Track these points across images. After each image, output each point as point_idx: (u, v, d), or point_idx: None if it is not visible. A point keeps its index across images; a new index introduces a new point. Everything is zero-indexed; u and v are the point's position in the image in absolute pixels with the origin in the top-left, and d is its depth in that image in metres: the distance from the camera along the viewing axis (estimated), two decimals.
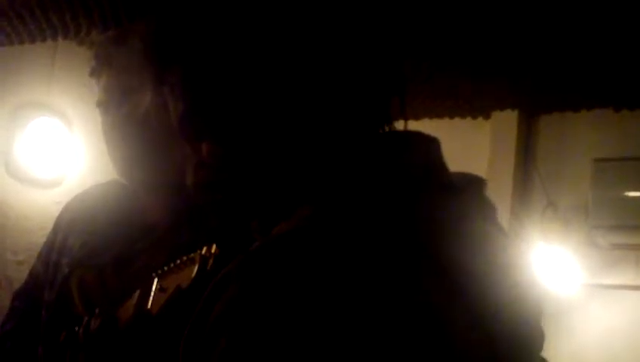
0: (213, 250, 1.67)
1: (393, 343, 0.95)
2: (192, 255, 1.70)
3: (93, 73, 2.03)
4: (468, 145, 5.53)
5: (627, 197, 5.10)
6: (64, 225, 2.17)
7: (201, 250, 1.68)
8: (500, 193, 5.21)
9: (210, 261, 1.67)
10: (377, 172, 1.09)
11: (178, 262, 1.73)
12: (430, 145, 1.18)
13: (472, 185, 1.18)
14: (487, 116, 5.65)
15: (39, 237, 2.28)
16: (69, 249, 2.10)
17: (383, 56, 1.18)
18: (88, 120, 2.27)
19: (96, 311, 1.86)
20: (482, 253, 1.10)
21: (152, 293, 1.76)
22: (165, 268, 1.75)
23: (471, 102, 5.47)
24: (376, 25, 1.17)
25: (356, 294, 0.96)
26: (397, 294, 0.98)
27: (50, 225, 2.26)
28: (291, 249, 0.99)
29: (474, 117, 5.69)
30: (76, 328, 1.86)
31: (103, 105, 2.00)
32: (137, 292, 1.78)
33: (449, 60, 4.71)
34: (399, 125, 1.19)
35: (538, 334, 1.18)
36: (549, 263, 4.96)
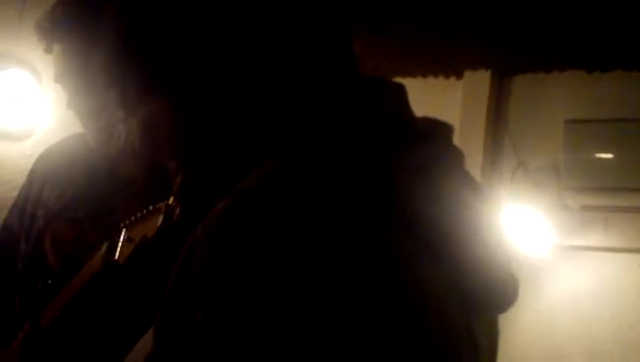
0: None
1: (361, 298, 0.94)
2: (159, 204, 1.70)
3: (47, 50, 2.03)
4: (440, 104, 5.52)
5: (598, 158, 5.12)
6: (39, 177, 2.15)
7: (168, 200, 1.68)
8: (470, 153, 5.19)
9: (177, 210, 1.66)
10: (341, 122, 1.08)
11: (145, 211, 1.73)
12: (395, 91, 1.16)
13: (437, 130, 1.17)
14: (459, 76, 5.63)
15: (8, 190, 2.25)
16: (44, 201, 2.08)
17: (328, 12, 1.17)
18: None
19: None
20: (449, 202, 1.09)
21: (120, 244, 1.76)
22: (133, 218, 1.75)
23: (443, 62, 5.45)
24: None
25: (318, 249, 0.94)
26: (364, 250, 0.97)
27: (19, 178, 2.24)
28: (251, 208, 0.97)
29: (446, 76, 5.68)
30: (49, 280, 1.85)
31: (60, 81, 2.00)
32: (105, 244, 1.78)
33: (422, 18, 4.69)
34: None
35: (509, 283, 1.17)
36: (519, 224, 4.97)
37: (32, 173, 2.20)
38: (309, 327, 0.90)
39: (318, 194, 0.98)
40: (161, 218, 1.68)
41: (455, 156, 1.17)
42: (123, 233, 1.76)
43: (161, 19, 1.11)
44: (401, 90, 1.16)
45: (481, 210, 1.14)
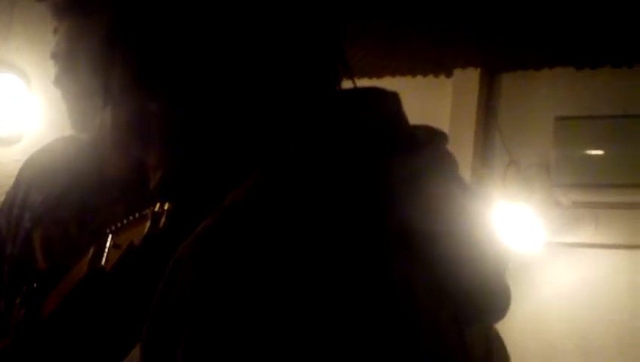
0: (166, 207, 1.66)
1: (354, 313, 0.93)
2: (145, 211, 1.70)
3: (55, 31, 2.05)
4: (430, 103, 5.52)
5: (588, 155, 5.13)
6: (25, 181, 2.16)
7: (154, 206, 1.68)
8: (461, 151, 5.22)
9: (163, 218, 1.66)
10: (330, 133, 1.06)
11: (131, 218, 1.73)
12: (388, 99, 1.15)
13: (433, 139, 1.16)
14: (449, 74, 5.64)
15: None
16: (30, 204, 2.09)
17: (321, 16, 1.16)
18: (47, 76, 2.24)
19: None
20: (443, 213, 1.07)
21: (107, 250, 1.76)
22: (119, 225, 1.75)
23: (433, 60, 5.46)
24: None
25: (311, 266, 0.92)
26: (355, 263, 0.95)
27: (8, 183, 2.24)
28: (237, 227, 0.95)
29: (436, 75, 5.69)
30: (35, 284, 1.86)
31: (55, 58, 2.01)
32: (92, 249, 1.78)
33: (411, 17, 4.70)
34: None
35: (501, 292, 1.16)
36: (510, 221, 4.98)
37: (18, 177, 2.21)
38: (298, 354, 0.89)
39: (306, 209, 0.96)
40: (147, 225, 1.68)
41: (448, 163, 1.16)
42: (110, 239, 1.76)
43: (154, 8, 1.10)
44: (394, 98, 1.14)
45: (475, 214, 1.14)
